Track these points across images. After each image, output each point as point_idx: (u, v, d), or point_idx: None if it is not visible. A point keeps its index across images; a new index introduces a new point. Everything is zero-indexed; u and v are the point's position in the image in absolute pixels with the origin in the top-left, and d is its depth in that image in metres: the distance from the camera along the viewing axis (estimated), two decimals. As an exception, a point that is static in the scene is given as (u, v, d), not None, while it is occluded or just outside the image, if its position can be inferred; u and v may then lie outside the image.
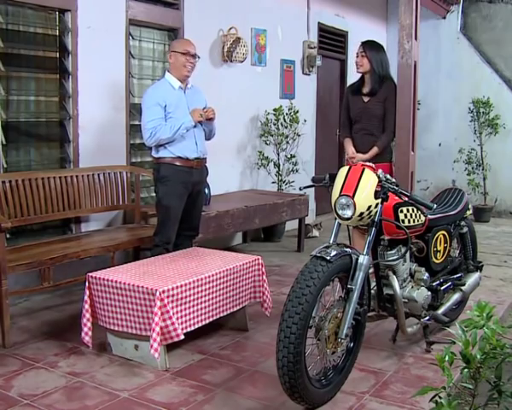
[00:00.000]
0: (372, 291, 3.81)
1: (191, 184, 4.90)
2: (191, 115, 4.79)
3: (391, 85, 5.39)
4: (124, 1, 5.82)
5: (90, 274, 4.09)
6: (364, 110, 5.37)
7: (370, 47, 5.33)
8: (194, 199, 4.99)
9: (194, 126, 4.82)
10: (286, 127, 7.80)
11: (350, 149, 5.43)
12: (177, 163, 4.81)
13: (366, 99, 5.38)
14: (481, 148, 9.59)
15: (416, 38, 5.60)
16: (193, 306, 3.98)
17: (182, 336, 3.82)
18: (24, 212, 4.80)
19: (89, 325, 4.01)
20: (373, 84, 5.32)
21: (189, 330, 3.96)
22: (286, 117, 7.80)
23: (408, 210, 3.77)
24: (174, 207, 4.85)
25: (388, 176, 3.60)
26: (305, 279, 3.17)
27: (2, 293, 4.15)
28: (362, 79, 5.46)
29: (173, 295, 3.82)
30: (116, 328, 3.97)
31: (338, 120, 8.88)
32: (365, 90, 5.40)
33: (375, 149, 5.29)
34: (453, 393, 2.15)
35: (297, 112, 7.87)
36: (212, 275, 4.13)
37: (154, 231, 4.94)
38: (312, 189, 4.55)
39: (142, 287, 3.81)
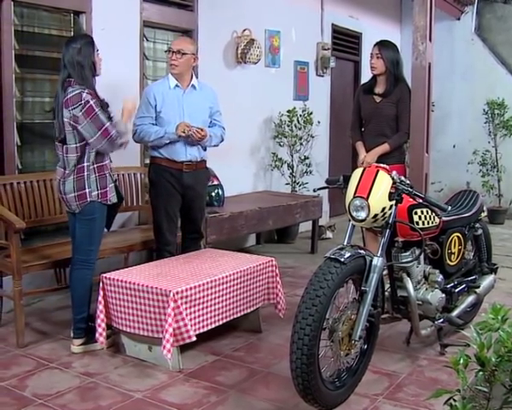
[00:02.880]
0: (386, 293, 3.79)
1: (181, 187, 4.83)
2: (176, 127, 4.65)
3: (404, 87, 5.31)
4: (138, 3, 5.83)
5: (103, 275, 4.10)
6: (376, 110, 5.29)
7: (386, 47, 5.23)
8: (191, 204, 4.92)
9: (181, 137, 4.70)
10: (300, 129, 7.79)
11: (363, 154, 5.34)
12: (164, 164, 4.77)
13: (378, 99, 5.31)
14: (496, 149, 9.50)
15: (430, 40, 5.55)
16: (206, 307, 3.97)
17: (194, 338, 3.82)
18: (38, 213, 4.80)
19: (103, 325, 4.02)
20: (388, 86, 5.24)
21: (201, 331, 3.95)
22: (300, 118, 7.78)
23: (422, 212, 3.75)
24: (165, 209, 4.81)
25: (402, 178, 3.58)
26: (319, 281, 3.16)
27: (16, 293, 4.18)
28: (374, 79, 5.39)
29: (187, 297, 3.82)
30: (129, 330, 3.98)
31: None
32: (378, 90, 5.32)
33: (385, 146, 5.19)
34: (467, 396, 2.12)
35: (311, 113, 7.85)
36: (226, 276, 4.12)
37: (153, 234, 4.93)
38: (326, 190, 4.54)
39: (156, 288, 3.81)
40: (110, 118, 4.10)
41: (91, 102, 3.93)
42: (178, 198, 4.86)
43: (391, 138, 5.24)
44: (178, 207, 4.89)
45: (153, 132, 4.68)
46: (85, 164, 4.04)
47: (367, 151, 5.31)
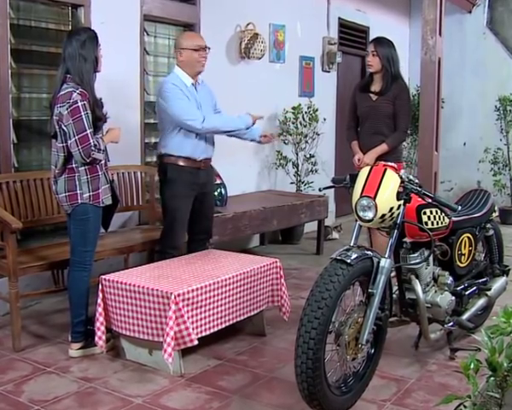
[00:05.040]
0: (394, 296, 3.76)
1: (198, 186, 4.75)
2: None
3: (401, 84, 5.30)
4: (138, -4, 5.79)
5: (103, 277, 4.06)
6: (372, 109, 5.29)
7: (381, 45, 5.24)
8: (202, 201, 4.83)
9: None
10: (305, 126, 7.72)
11: (358, 154, 5.36)
12: (184, 164, 4.66)
13: (374, 98, 5.31)
14: (508, 147, 9.39)
15: (440, 34, 5.53)
16: (208, 310, 3.93)
17: (195, 342, 3.77)
18: (35, 212, 4.74)
19: (102, 328, 3.98)
20: (385, 84, 5.24)
21: (204, 334, 3.91)
22: (305, 116, 7.72)
23: (431, 212, 3.71)
24: (181, 210, 4.70)
25: (411, 177, 3.53)
26: (325, 283, 3.12)
27: (12, 296, 4.13)
28: (370, 77, 5.39)
29: (188, 299, 3.77)
30: (129, 333, 3.93)
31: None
32: (374, 88, 5.32)
33: (384, 146, 5.18)
34: (478, 402, 2.18)
35: (316, 110, 7.78)
36: (229, 278, 4.08)
37: (160, 235, 4.84)
38: (332, 190, 4.56)
39: (157, 290, 3.77)
40: (106, 117, 4.09)
41: (79, 104, 3.86)
42: (192, 200, 4.78)
43: (388, 137, 5.24)
44: (190, 209, 4.80)
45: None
46: (74, 165, 3.98)
47: (364, 150, 5.33)
